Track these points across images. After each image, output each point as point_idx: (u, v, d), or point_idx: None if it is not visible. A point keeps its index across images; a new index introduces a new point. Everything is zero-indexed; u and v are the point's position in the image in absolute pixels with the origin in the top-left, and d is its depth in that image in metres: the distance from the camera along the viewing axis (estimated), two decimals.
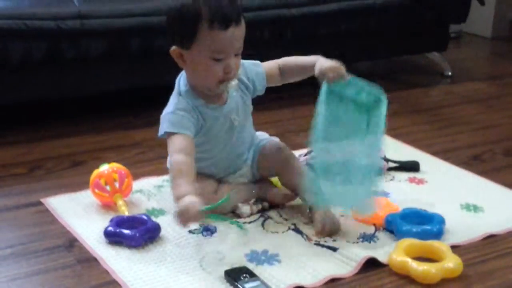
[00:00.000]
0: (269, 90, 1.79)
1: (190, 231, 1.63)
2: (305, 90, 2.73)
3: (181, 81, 1.68)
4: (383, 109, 1.63)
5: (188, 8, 1.55)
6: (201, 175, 1.71)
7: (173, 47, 1.61)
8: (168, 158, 1.61)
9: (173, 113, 1.61)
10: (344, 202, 1.63)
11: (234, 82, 1.63)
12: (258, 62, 1.76)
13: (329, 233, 1.63)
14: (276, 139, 1.83)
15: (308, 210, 1.70)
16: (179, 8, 1.56)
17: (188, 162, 1.55)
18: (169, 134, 1.60)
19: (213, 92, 1.64)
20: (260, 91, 1.76)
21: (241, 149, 1.76)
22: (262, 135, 1.84)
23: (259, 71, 1.74)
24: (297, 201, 1.77)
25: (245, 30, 1.62)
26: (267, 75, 1.74)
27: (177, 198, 1.49)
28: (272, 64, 1.76)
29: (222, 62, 1.58)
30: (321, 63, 1.64)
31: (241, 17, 1.59)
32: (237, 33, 1.58)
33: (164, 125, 1.61)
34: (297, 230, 1.66)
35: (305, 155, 1.93)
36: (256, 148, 1.79)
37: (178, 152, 1.56)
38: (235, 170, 1.77)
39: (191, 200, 1.45)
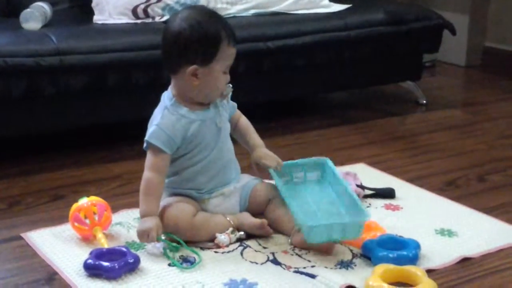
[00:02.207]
0: None
1: (169, 265, 1.65)
2: (279, 121, 2.80)
3: (165, 96, 1.78)
4: (330, 166, 1.89)
5: (212, 32, 1.71)
6: (183, 196, 1.77)
7: (191, 67, 1.71)
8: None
9: (158, 125, 1.72)
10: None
11: (229, 89, 1.80)
12: None
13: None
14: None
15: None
16: (204, 32, 1.70)
17: (159, 181, 1.73)
18: (150, 146, 1.73)
19: (211, 101, 1.77)
20: (233, 104, 1.88)
21: (228, 156, 1.83)
22: (249, 176, 1.91)
23: (232, 102, 1.86)
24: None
25: None
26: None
27: (143, 215, 1.70)
28: (237, 114, 1.90)
29: (227, 75, 1.76)
30: (258, 152, 1.85)
31: None
32: None
33: (148, 135, 1.73)
34: (275, 262, 1.67)
35: None
36: (249, 185, 1.85)
37: (152, 169, 1.73)
38: (222, 183, 1.81)
39: (153, 224, 1.67)
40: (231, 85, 1.79)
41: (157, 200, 1.72)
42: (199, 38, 1.69)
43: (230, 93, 1.81)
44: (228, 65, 1.75)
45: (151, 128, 1.73)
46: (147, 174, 1.72)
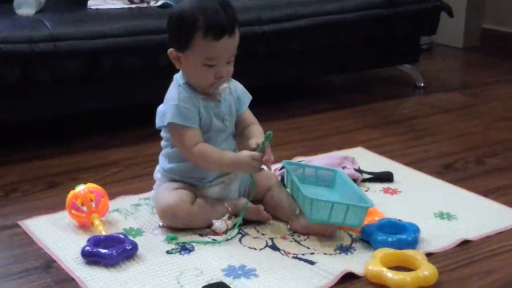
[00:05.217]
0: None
1: (168, 252, 1.64)
2: (276, 106, 2.79)
3: (178, 75, 1.74)
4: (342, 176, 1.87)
5: (187, 16, 1.64)
6: (182, 183, 1.74)
7: (171, 49, 1.69)
8: (167, 153, 1.72)
9: (178, 105, 1.67)
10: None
11: (224, 85, 1.71)
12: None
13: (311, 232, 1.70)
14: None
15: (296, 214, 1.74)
16: (178, 14, 1.65)
17: (210, 146, 1.68)
18: (175, 126, 1.67)
19: (205, 91, 1.71)
20: (245, 104, 1.81)
21: (231, 148, 1.78)
22: None
23: (244, 90, 1.82)
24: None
25: None
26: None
27: (233, 164, 1.67)
28: (248, 117, 1.82)
29: (214, 68, 1.66)
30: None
31: (235, 28, 1.67)
32: (230, 43, 1.67)
33: (168, 116, 1.67)
34: (274, 247, 1.67)
35: (280, 169, 1.96)
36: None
37: (197, 144, 1.67)
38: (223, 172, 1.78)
39: (243, 155, 1.64)
40: (225, 85, 1.71)
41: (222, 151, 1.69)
42: (175, 23, 1.66)
43: (225, 90, 1.73)
44: (209, 58, 1.65)
45: (170, 108, 1.67)
46: (196, 148, 1.67)
